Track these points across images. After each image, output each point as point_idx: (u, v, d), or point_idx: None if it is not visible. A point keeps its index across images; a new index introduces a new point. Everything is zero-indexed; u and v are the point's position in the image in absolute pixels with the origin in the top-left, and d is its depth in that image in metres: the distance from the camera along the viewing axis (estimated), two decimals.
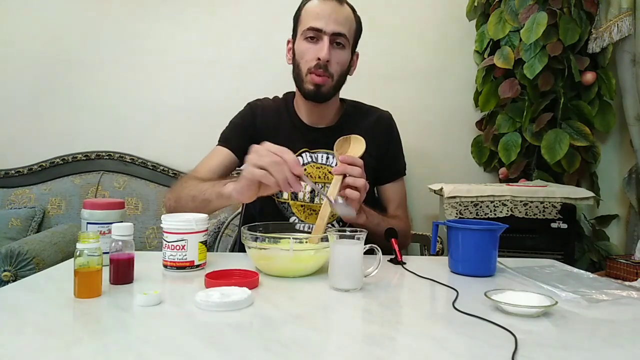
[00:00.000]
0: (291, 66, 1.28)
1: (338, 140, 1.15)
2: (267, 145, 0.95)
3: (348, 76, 1.30)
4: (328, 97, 1.25)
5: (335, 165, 1.27)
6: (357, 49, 1.31)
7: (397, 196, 1.35)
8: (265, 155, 0.93)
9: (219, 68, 2.49)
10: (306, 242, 0.97)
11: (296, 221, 1.27)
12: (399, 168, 1.38)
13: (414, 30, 2.48)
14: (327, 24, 1.18)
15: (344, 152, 1.12)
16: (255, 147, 0.97)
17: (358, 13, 1.28)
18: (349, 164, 1.04)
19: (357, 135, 1.16)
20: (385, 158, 1.32)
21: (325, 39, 1.18)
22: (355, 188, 1.04)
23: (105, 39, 2.49)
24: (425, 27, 2.49)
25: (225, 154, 1.28)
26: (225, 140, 1.31)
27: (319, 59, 1.18)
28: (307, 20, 1.21)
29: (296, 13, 1.27)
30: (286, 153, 0.93)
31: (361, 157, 1.09)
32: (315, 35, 1.19)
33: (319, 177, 1.27)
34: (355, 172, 1.04)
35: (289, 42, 1.30)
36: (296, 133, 1.30)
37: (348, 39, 1.22)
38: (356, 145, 1.14)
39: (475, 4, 2.36)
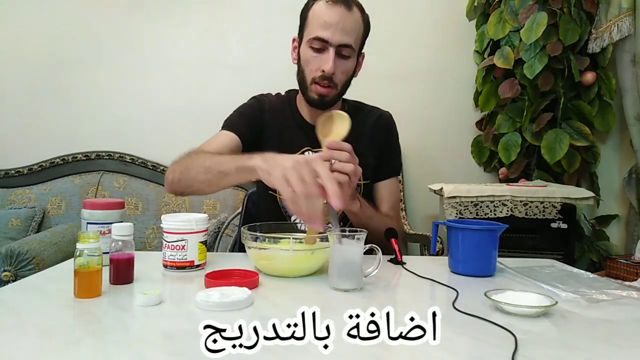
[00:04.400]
0: (295, 66, 1.27)
1: (319, 119, 1.10)
2: (315, 163, 0.85)
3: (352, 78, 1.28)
4: (332, 105, 1.25)
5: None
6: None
7: (391, 197, 1.33)
8: (306, 176, 0.83)
9: (219, 68, 2.49)
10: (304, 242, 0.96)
11: (297, 220, 1.27)
12: (394, 167, 1.37)
13: (414, 30, 2.48)
14: (333, 34, 1.14)
15: (328, 133, 1.07)
16: (298, 159, 0.86)
17: None
18: (335, 150, 0.97)
19: (339, 111, 1.11)
20: (382, 155, 1.31)
21: (331, 51, 1.15)
22: (346, 174, 0.97)
23: (105, 39, 2.50)
24: (425, 27, 2.49)
25: (231, 137, 1.24)
26: (230, 125, 1.27)
27: (323, 70, 1.17)
28: (313, 27, 1.17)
29: (303, 11, 1.23)
30: (329, 182, 0.83)
31: (347, 139, 1.02)
32: (321, 46, 1.16)
33: None
34: (343, 157, 0.97)
35: (294, 40, 1.26)
36: (299, 132, 1.30)
37: (354, 49, 1.19)
38: (341, 123, 1.08)
39: (475, 4, 2.36)
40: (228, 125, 1.28)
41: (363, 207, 1.14)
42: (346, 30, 1.16)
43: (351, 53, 1.19)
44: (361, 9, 1.21)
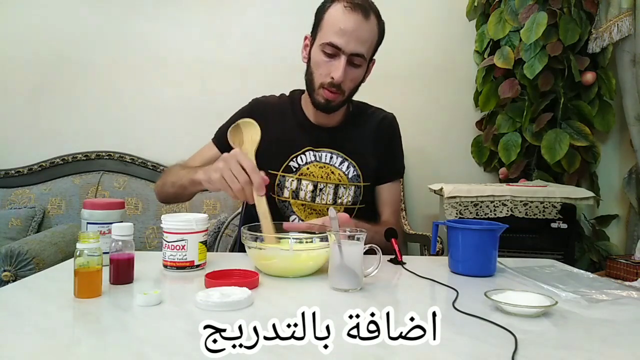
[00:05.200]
0: (302, 65, 1.25)
1: (229, 131, 1.13)
2: (239, 158, 0.98)
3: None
4: (337, 109, 1.25)
5: (338, 164, 1.26)
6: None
7: (392, 201, 1.33)
8: (235, 171, 0.97)
9: (219, 68, 2.49)
10: (295, 242, 0.96)
11: (296, 220, 1.27)
12: (397, 169, 1.37)
13: (414, 30, 2.48)
14: (347, 43, 1.13)
15: (240, 142, 1.12)
16: (225, 157, 0.99)
17: None
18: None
19: (246, 119, 1.14)
20: (385, 158, 1.31)
21: (343, 59, 1.14)
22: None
23: (105, 39, 2.49)
24: (425, 27, 2.49)
25: (215, 152, 1.30)
26: (218, 137, 1.33)
27: (332, 77, 1.16)
28: (328, 31, 1.15)
29: (319, 11, 1.20)
30: (254, 174, 0.97)
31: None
32: (333, 52, 1.15)
33: (322, 177, 1.27)
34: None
35: (306, 37, 1.25)
36: (301, 131, 1.30)
37: (366, 58, 1.18)
38: (251, 129, 1.12)
39: (475, 4, 2.37)
40: (216, 137, 1.34)
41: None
42: (360, 40, 1.14)
43: (362, 62, 1.18)
44: (378, 16, 1.19)
